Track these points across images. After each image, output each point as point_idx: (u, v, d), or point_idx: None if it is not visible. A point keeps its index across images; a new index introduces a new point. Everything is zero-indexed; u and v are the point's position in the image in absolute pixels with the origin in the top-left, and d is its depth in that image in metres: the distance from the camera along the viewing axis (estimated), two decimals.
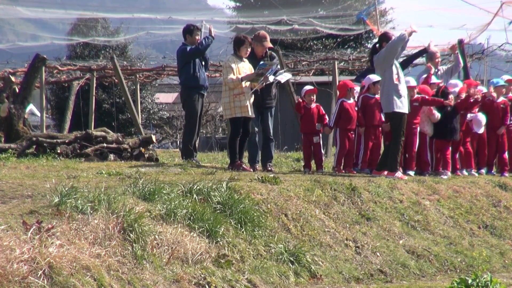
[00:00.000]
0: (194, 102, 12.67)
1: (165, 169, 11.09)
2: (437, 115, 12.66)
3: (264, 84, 11.68)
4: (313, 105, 12.49)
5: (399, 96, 11.65)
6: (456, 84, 13.39)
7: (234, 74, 11.60)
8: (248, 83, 11.65)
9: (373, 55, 12.08)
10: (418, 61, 24.83)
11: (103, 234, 6.80)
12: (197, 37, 12.71)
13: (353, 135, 12.42)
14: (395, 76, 11.64)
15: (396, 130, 11.80)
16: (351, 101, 12.41)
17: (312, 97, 12.49)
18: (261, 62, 11.67)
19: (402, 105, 11.67)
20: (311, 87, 12.65)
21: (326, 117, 12.62)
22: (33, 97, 17.38)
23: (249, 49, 11.92)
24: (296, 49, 32.98)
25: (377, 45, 12.16)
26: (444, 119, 12.74)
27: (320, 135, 12.64)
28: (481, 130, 13.47)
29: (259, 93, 11.89)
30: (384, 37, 12.17)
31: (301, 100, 12.56)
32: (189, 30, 12.76)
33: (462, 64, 13.99)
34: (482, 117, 13.37)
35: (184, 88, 12.85)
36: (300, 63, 25.61)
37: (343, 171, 12.24)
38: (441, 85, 13.08)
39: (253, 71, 11.76)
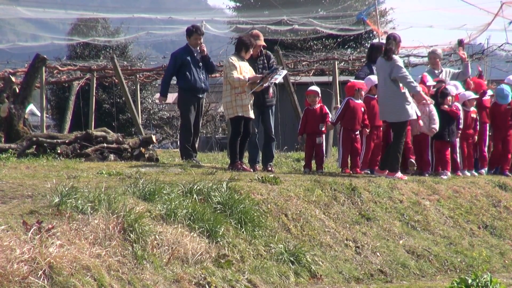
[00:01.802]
0: (187, 104, 12.63)
1: (165, 169, 11.09)
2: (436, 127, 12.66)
3: (263, 85, 11.71)
4: (317, 106, 12.46)
5: (409, 103, 11.73)
6: (455, 85, 13.41)
7: (238, 73, 11.59)
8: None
9: (377, 54, 12.19)
10: (418, 61, 24.89)
11: (103, 234, 6.80)
12: (199, 41, 12.67)
13: (357, 136, 12.33)
14: (400, 84, 11.69)
15: (399, 131, 11.82)
16: (359, 101, 12.36)
17: (316, 98, 12.45)
18: (273, 67, 11.86)
19: (412, 111, 11.80)
20: (311, 89, 12.62)
21: (329, 115, 12.58)
22: (33, 97, 17.40)
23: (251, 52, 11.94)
24: (296, 49, 32.95)
25: (387, 46, 12.08)
26: (443, 121, 12.74)
27: (323, 135, 12.61)
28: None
29: (259, 92, 11.90)
30: (393, 38, 12.07)
31: (300, 137, 12.67)
32: (190, 32, 12.72)
33: (469, 73, 13.99)
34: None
35: (179, 89, 12.85)
36: (300, 63, 25.58)
37: (350, 172, 12.19)
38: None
39: (252, 71, 11.78)
